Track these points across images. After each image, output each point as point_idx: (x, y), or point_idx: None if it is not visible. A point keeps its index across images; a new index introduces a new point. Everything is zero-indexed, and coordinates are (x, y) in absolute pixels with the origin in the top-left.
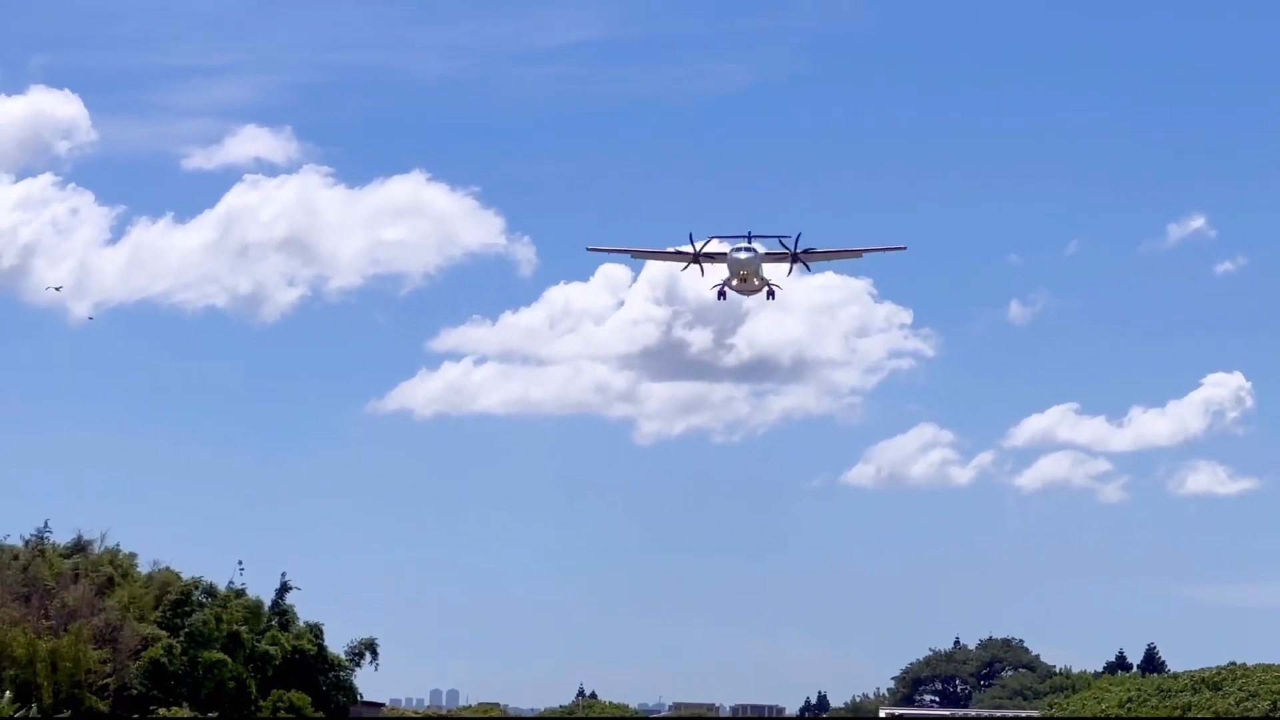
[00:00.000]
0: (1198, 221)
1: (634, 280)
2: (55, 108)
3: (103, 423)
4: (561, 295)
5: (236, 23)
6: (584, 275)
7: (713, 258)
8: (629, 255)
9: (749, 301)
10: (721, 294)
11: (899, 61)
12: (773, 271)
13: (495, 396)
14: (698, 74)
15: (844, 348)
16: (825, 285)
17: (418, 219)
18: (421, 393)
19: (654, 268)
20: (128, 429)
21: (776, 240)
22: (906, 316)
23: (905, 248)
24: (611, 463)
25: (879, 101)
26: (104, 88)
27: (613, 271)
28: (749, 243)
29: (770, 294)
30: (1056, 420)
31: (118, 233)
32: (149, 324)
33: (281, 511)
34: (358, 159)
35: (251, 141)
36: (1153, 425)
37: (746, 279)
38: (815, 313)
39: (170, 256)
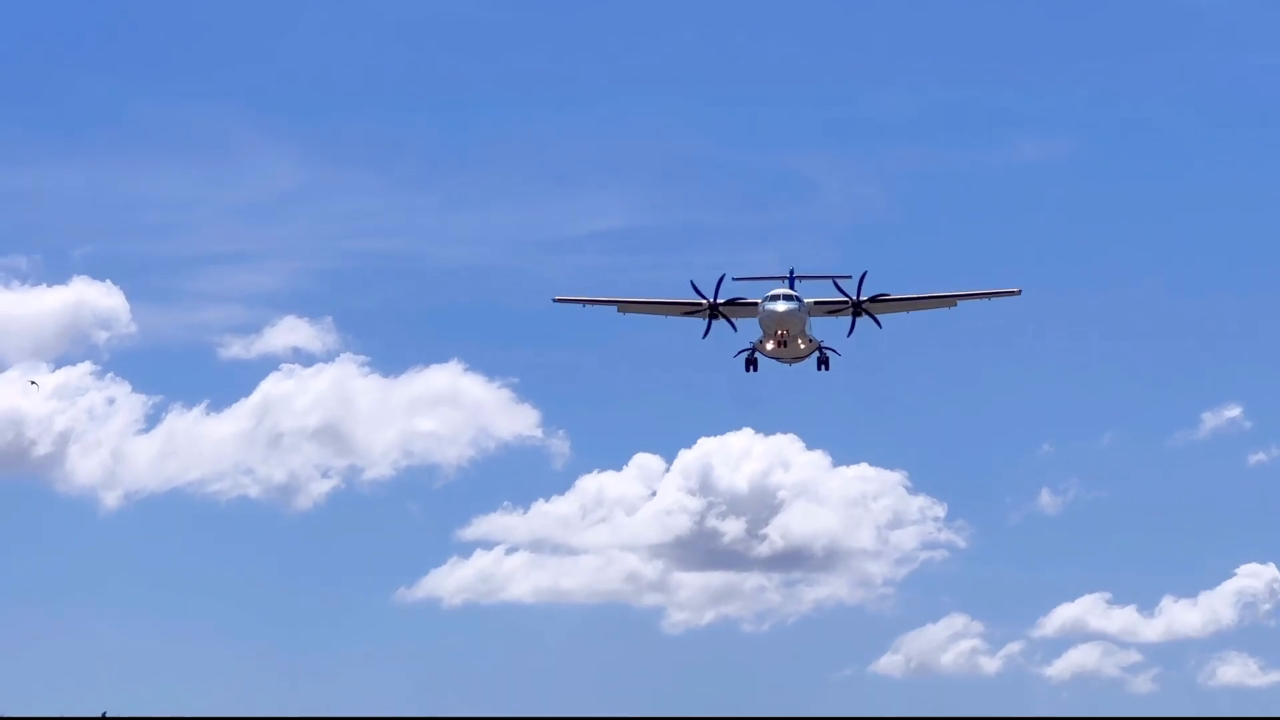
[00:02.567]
0: (1234, 411)
1: (667, 470)
2: (97, 298)
3: (132, 612)
4: (594, 484)
5: (268, 211)
6: (617, 465)
7: (738, 308)
8: (614, 307)
9: (784, 490)
10: (750, 362)
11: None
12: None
13: (525, 585)
14: (727, 264)
15: (877, 539)
16: (860, 477)
17: (454, 410)
18: (452, 581)
19: (687, 458)
20: (157, 619)
21: (831, 283)
22: (941, 510)
23: (1020, 291)
24: (639, 652)
25: None
26: (142, 277)
27: (646, 461)
28: (790, 287)
29: (823, 362)
30: (1087, 609)
31: (152, 421)
32: (181, 513)
33: (309, 699)
34: (395, 348)
35: (290, 331)
36: (1184, 616)
37: (787, 339)
38: (849, 505)
39: (204, 445)
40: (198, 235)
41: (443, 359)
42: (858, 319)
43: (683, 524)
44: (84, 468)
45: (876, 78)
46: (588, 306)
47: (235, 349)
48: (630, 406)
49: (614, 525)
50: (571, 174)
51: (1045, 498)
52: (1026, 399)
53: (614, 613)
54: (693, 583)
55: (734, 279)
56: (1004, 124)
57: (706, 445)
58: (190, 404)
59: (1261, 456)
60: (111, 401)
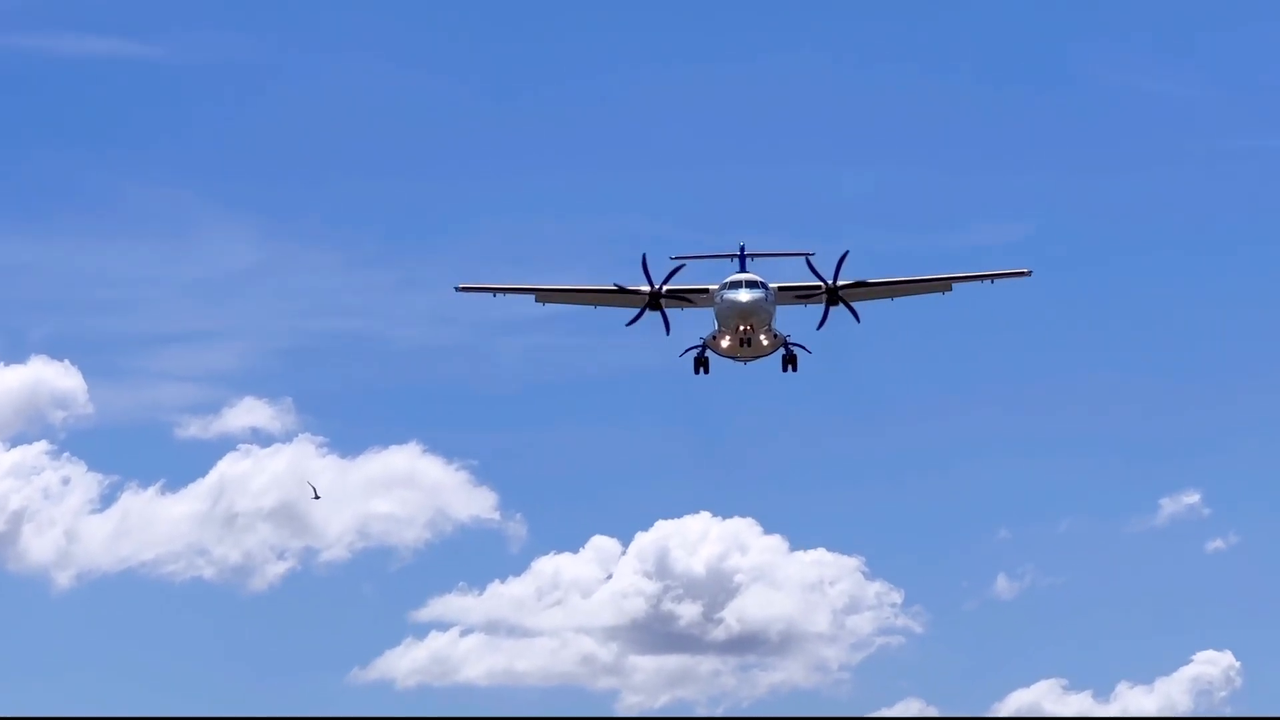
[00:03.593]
0: (1192, 497)
1: (624, 552)
2: (55, 378)
3: (83, 693)
4: (550, 566)
5: (225, 289)
6: (574, 547)
7: (686, 298)
8: (532, 296)
9: (741, 574)
10: (700, 363)
11: None
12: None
13: (479, 667)
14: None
15: (833, 624)
16: (818, 561)
17: (411, 491)
18: (406, 662)
19: (644, 541)
20: (108, 701)
21: (805, 262)
22: (898, 596)
23: (1030, 271)
24: None
25: None
26: (100, 356)
27: (603, 544)
28: (742, 268)
29: (789, 361)
30: (1043, 694)
31: (107, 500)
32: (134, 594)
33: None
34: (353, 428)
35: (248, 412)
36: (1140, 702)
37: (750, 335)
38: (806, 589)
39: (159, 525)
40: (155, 313)
41: (401, 440)
42: (831, 308)
43: (639, 607)
44: (37, 547)
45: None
46: (499, 296)
47: (192, 429)
48: (588, 489)
49: (569, 607)
50: (530, 255)
51: (1002, 583)
52: (984, 483)
53: (568, 695)
54: (648, 666)
55: (671, 257)
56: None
57: (664, 528)
58: (146, 484)
59: (1219, 544)
60: (66, 481)
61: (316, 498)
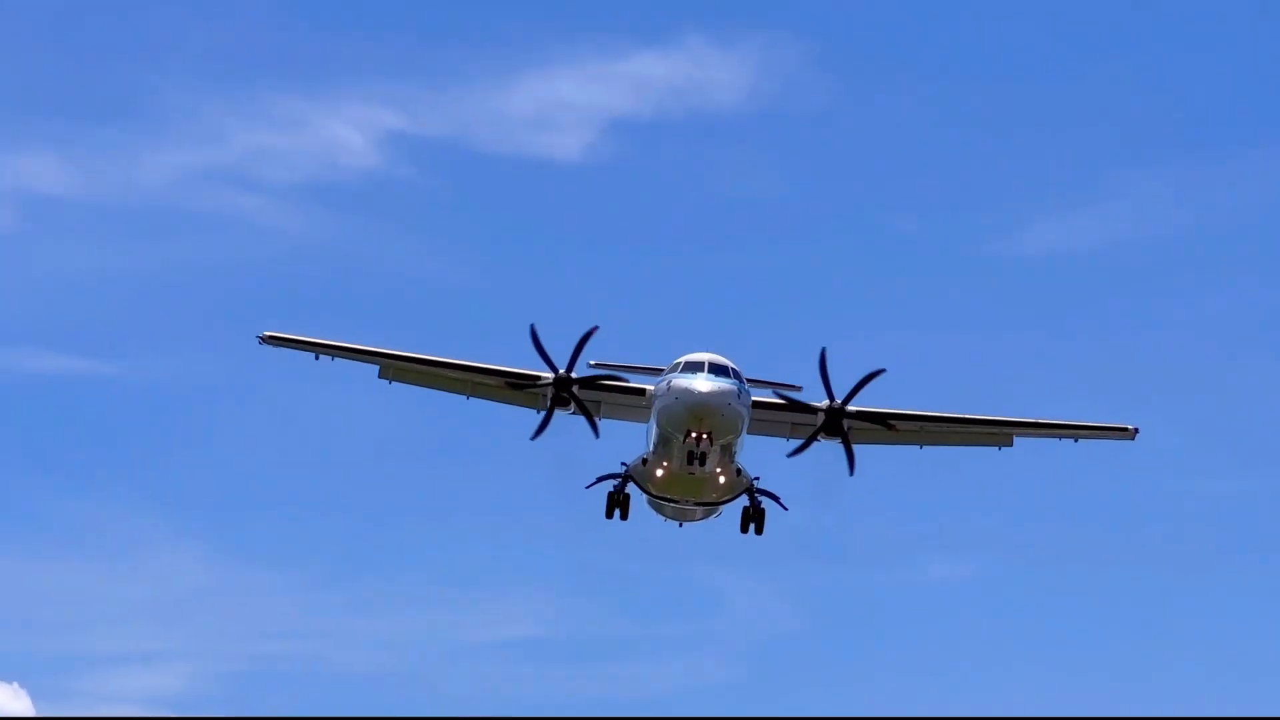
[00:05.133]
0: None
1: None
2: (3, 701)
3: None
4: None
5: (171, 610)
6: None
7: (607, 391)
8: (375, 363)
9: None
10: (617, 501)
11: None
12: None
13: None
14: (631, 675)
15: None
16: None
17: None
18: None
19: None
20: None
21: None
22: None
23: (1136, 431)
24: None
25: None
26: (46, 676)
27: None
28: (710, 353)
29: (754, 518)
30: None
31: None
32: None
33: None
34: None
35: None
36: None
37: (704, 452)
38: None
39: None
40: (101, 634)
41: None
42: (821, 434)
43: None
44: None
45: None
46: (325, 358)
47: None
48: None
49: None
50: (480, 578)
51: None
52: None
53: None
54: None
55: (590, 364)
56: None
57: None
58: None
59: None
60: None
61: None
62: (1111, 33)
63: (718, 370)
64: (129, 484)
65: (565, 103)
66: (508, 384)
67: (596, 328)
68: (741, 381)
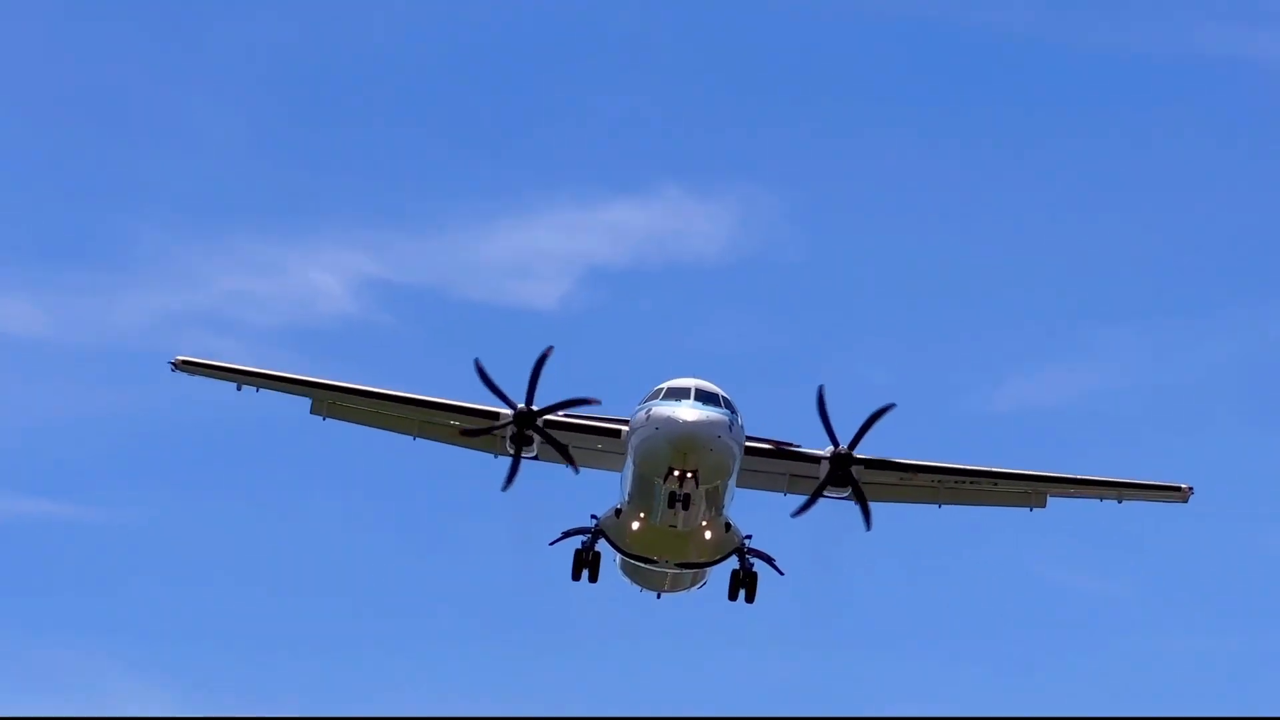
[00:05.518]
0: None
1: None
2: None
3: None
4: None
5: None
6: None
7: (575, 433)
8: (308, 395)
9: None
10: (584, 559)
11: None
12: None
13: None
14: None
15: None
16: None
17: None
18: None
19: None
20: None
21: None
22: None
23: (1190, 491)
24: None
25: None
26: None
27: None
28: (698, 379)
29: (745, 581)
30: None
31: None
32: None
33: None
34: None
35: None
36: None
37: (688, 495)
38: None
39: None
40: None
41: None
42: (828, 487)
43: None
44: None
45: None
46: (246, 389)
47: None
48: None
49: None
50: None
51: None
52: None
53: None
54: None
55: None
56: None
57: None
58: None
59: None
60: None
61: None
62: (1092, 189)
63: (706, 397)
64: (88, 624)
65: (543, 251)
66: (462, 431)
67: (551, 348)
68: (734, 412)
